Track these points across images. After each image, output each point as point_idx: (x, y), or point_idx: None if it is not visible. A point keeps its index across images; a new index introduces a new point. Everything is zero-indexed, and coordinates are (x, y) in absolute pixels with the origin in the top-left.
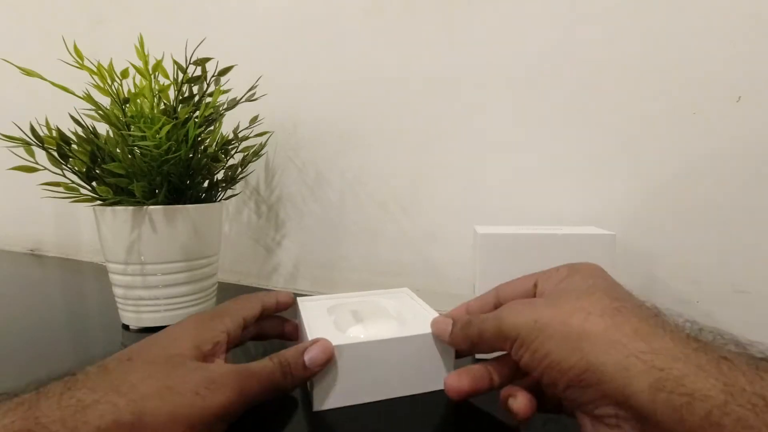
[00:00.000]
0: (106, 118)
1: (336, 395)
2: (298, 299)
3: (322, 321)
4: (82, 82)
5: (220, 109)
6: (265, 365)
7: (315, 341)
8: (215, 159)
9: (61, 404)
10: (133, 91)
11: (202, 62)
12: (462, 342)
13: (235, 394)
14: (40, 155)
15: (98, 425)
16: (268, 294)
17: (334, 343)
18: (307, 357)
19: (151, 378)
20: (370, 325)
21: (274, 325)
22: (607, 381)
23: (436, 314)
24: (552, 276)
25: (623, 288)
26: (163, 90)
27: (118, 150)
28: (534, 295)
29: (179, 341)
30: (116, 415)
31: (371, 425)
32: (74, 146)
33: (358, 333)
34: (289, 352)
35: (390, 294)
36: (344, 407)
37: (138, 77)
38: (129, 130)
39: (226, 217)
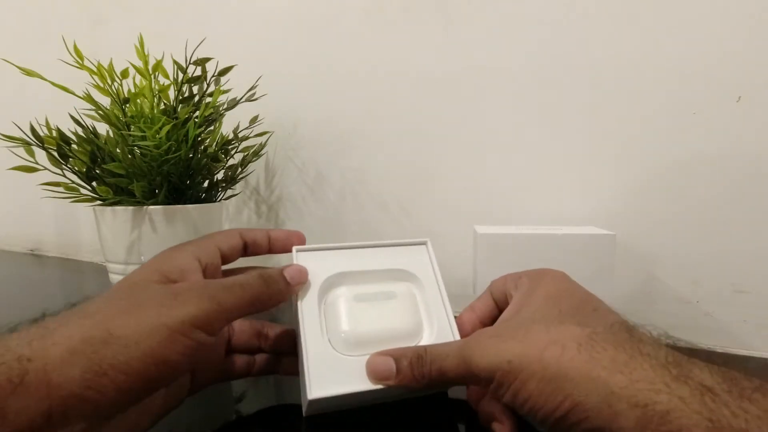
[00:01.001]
0: (106, 118)
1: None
2: (296, 250)
3: (315, 312)
4: (82, 82)
5: (220, 109)
6: (239, 279)
7: (289, 265)
8: (215, 159)
9: (30, 331)
10: (133, 91)
11: (202, 62)
12: (414, 381)
13: (205, 302)
14: (40, 155)
15: (69, 345)
16: (253, 229)
17: (310, 396)
18: (286, 273)
19: (117, 299)
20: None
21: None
22: (593, 418)
23: (448, 305)
24: (517, 287)
25: (590, 300)
26: (163, 90)
27: (118, 150)
28: (507, 303)
29: (145, 271)
30: (86, 333)
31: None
32: (74, 146)
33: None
34: (270, 269)
35: (406, 254)
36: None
37: (138, 77)
38: (129, 130)
39: (226, 217)
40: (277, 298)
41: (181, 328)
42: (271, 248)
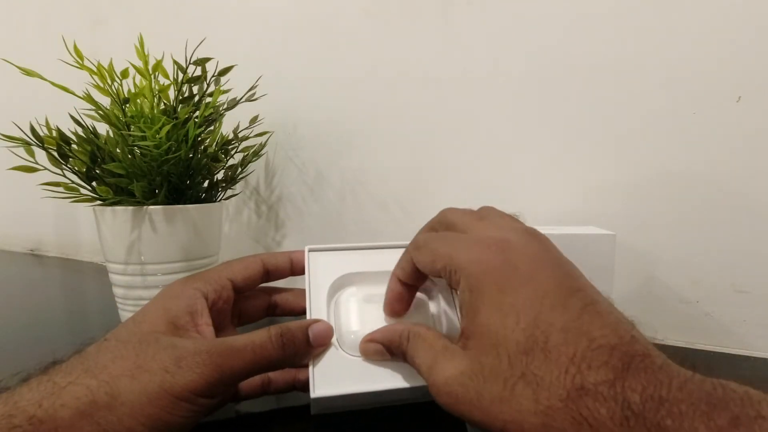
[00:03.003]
0: (106, 118)
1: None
2: (308, 250)
3: (324, 311)
4: (82, 82)
5: (220, 109)
6: (252, 339)
7: (316, 321)
8: (215, 159)
9: (39, 389)
10: (133, 91)
11: (202, 62)
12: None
13: (209, 370)
14: (40, 155)
15: (77, 407)
16: (275, 253)
17: (313, 394)
18: (311, 332)
19: (122, 358)
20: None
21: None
22: None
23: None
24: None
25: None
26: (163, 90)
27: (118, 150)
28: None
29: (152, 317)
30: (91, 396)
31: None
32: (74, 146)
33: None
34: (293, 323)
35: None
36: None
37: (138, 77)
38: (129, 130)
39: (226, 217)
40: (294, 362)
41: (184, 396)
42: (293, 272)
